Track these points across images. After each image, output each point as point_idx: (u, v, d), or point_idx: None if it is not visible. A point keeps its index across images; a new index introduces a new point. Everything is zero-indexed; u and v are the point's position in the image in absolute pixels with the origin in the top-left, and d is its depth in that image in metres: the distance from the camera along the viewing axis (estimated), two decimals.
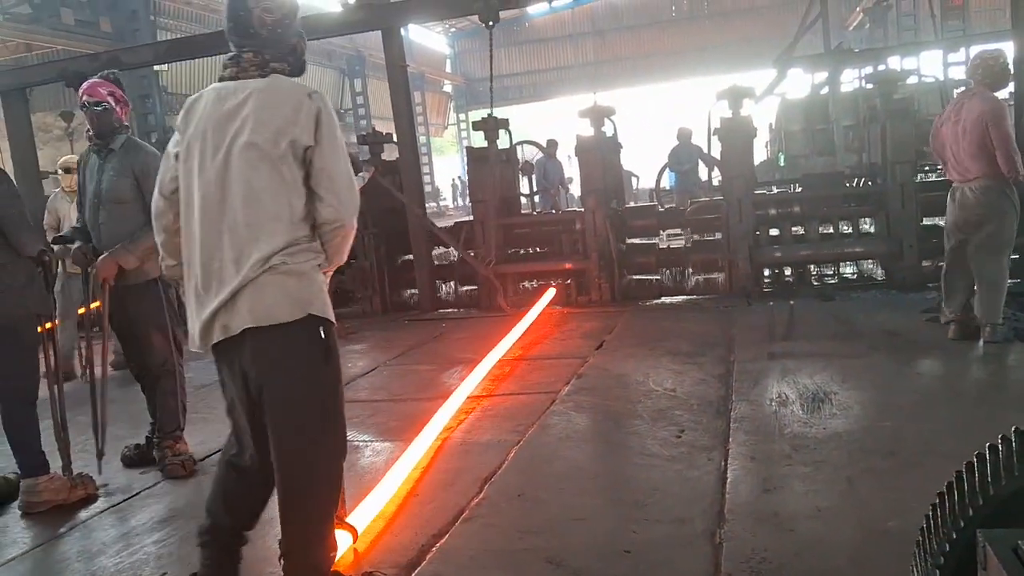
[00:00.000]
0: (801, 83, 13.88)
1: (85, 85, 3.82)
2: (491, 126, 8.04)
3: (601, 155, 7.67)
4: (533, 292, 7.73)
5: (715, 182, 9.38)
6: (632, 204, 11.99)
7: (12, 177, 3.67)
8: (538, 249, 8.30)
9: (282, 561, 2.33)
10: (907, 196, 6.90)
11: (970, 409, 3.89)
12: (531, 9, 27.92)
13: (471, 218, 8.21)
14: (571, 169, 13.31)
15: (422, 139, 26.37)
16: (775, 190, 9.34)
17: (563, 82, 32.60)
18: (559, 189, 13.82)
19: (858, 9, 22.34)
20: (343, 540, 2.53)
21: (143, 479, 3.74)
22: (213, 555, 2.39)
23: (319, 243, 2.25)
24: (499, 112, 8.51)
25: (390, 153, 8.47)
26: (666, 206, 9.43)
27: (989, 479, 1.32)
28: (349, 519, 2.68)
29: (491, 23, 7.25)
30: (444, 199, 30.11)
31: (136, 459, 3.93)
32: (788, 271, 7.65)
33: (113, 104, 3.78)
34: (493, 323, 6.65)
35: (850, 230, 7.61)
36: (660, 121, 24.89)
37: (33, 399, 3.41)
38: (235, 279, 2.14)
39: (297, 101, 2.18)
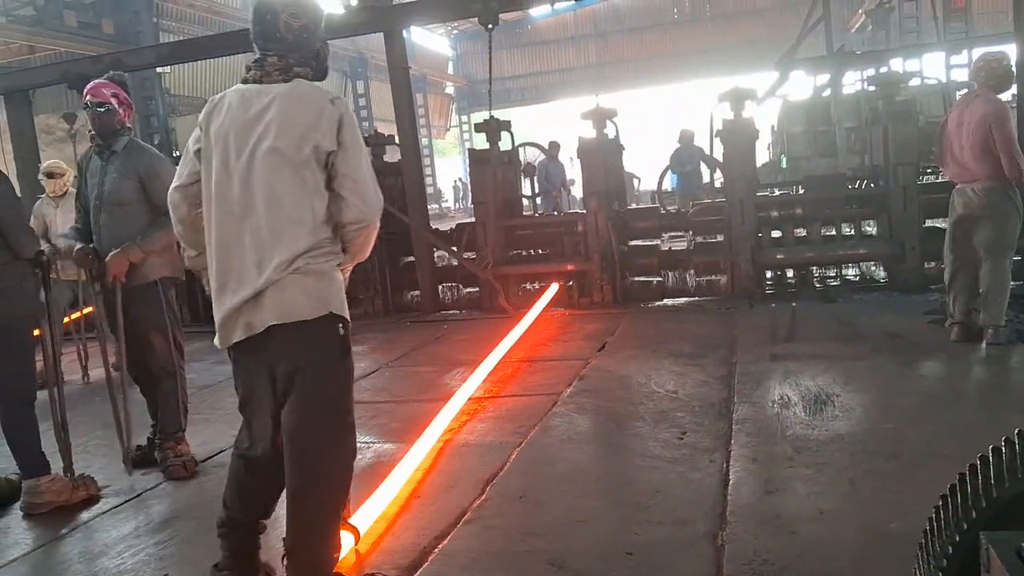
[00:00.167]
0: (803, 85, 13.87)
1: (89, 85, 3.82)
2: (493, 128, 8.03)
3: (603, 157, 7.67)
4: (535, 294, 7.72)
5: (717, 184, 9.36)
6: (634, 206, 12.01)
7: (13, 179, 3.68)
8: (540, 251, 8.30)
9: (285, 561, 2.33)
10: (909, 198, 6.89)
11: (973, 411, 3.89)
12: (533, 11, 27.97)
13: (473, 220, 8.22)
14: (573, 171, 13.35)
15: (424, 141, 26.38)
16: (777, 192, 9.30)
17: (565, 84, 32.61)
18: (561, 191, 13.83)
19: (860, 11, 22.33)
20: (345, 541, 2.53)
21: (145, 480, 3.74)
22: (232, 545, 2.43)
23: (339, 244, 2.31)
24: (501, 114, 8.52)
25: (392, 155, 8.48)
26: (668, 208, 9.42)
27: (992, 481, 1.31)
28: (351, 520, 2.68)
29: (490, 26, 7.30)
30: (446, 201, 30.13)
31: (138, 460, 3.93)
32: (790, 273, 7.63)
33: (116, 105, 3.78)
34: (495, 325, 6.65)
35: (852, 232, 7.60)
36: (662, 123, 24.91)
37: (31, 400, 3.42)
38: (257, 281, 2.20)
39: (320, 106, 2.24)
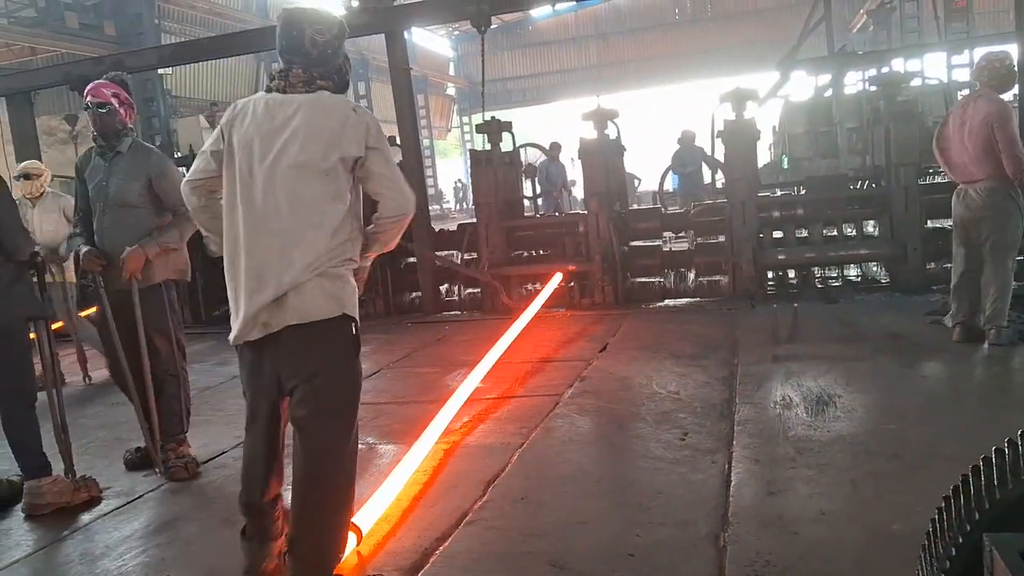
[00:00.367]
0: (805, 85, 13.87)
1: (90, 86, 3.81)
2: (494, 129, 8.04)
3: (604, 158, 7.67)
4: (536, 294, 7.71)
5: (719, 184, 9.36)
6: (635, 207, 12.01)
7: (10, 180, 3.69)
8: (541, 252, 8.30)
9: (286, 558, 2.32)
10: (911, 198, 6.88)
11: (975, 412, 3.88)
12: (534, 12, 27.99)
13: (474, 220, 8.22)
14: (574, 172, 13.32)
15: (425, 142, 26.35)
16: (779, 192, 9.30)
17: (566, 85, 32.61)
18: (562, 192, 13.82)
19: (862, 11, 22.33)
20: (348, 542, 2.53)
21: (146, 482, 3.74)
22: (252, 521, 2.46)
23: (356, 249, 2.41)
24: (502, 115, 8.52)
25: (393, 156, 8.46)
26: (669, 209, 9.41)
27: (995, 483, 1.31)
28: (353, 520, 2.67)
29: (483, 28, 7.35)
30: (447, 202, 30.13)
31: (139, 462, 3.93)
32: (792, 273, 7.63)
33: (117, 106, 3.77)
34: (496, 325, 6.64)
35: (854, 233, 7.60)
36: (663, 124, 24.87)
37: (32, 400, 3.42)
38: (279, 283, 2.26)
39: (343, 115, 2.35)
